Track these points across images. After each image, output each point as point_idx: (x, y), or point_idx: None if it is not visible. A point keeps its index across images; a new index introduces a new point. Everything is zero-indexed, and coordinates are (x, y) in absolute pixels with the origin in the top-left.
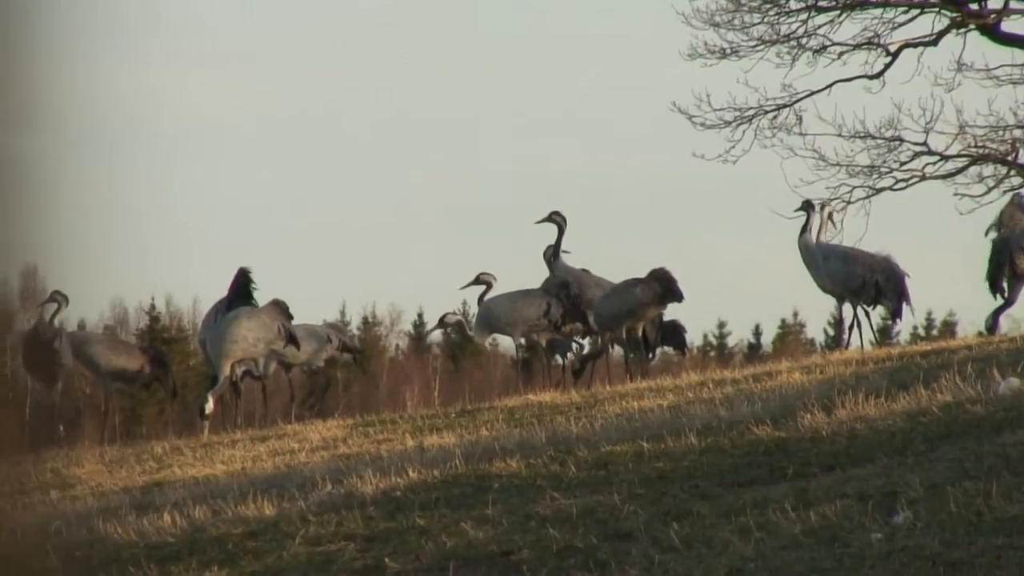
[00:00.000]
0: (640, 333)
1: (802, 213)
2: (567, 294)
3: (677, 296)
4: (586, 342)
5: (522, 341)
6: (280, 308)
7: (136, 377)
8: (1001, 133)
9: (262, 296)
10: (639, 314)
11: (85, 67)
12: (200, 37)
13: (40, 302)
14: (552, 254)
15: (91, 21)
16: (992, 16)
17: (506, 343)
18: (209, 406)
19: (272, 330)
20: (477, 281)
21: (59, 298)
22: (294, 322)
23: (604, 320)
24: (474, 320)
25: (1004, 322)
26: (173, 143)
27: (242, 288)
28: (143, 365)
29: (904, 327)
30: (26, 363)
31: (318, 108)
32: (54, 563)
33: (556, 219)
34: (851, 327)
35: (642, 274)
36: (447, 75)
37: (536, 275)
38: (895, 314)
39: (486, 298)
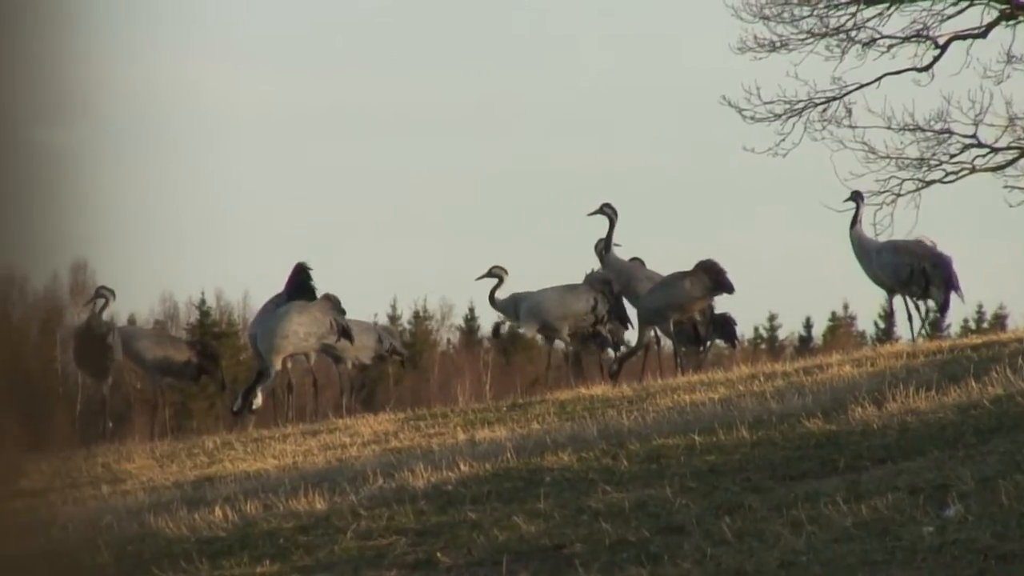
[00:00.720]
0: (691, 326)
1: (851, 204)
2: (609, 290)
3: (727, 288)
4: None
5: (567, 336)
6: (332, 303)
7: (183, 370)
8: None
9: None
10: (687, 307)
11: (134, 57)
12: (249, 26)
13: (88, 298)
14: (603, 247)
15: (132, 9)
16: None
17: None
18: (258, 401)
19: (324, 325)
20: (490, 274)
21: (106, 293)
22: (348, 317)
23: (650, 314)
24: (521, 313)
25: None
26: (225, 136)
27: (302, 283)
28: (190, 358)
29: (954, 320)
30: (77, 358)
31: (369, 100)
32: (105, 558)
33: (607, 211)
34: (910, 318)
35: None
36: (505, 68)
37: (583, 269)
38: (943, 307)
39: (498, 292)
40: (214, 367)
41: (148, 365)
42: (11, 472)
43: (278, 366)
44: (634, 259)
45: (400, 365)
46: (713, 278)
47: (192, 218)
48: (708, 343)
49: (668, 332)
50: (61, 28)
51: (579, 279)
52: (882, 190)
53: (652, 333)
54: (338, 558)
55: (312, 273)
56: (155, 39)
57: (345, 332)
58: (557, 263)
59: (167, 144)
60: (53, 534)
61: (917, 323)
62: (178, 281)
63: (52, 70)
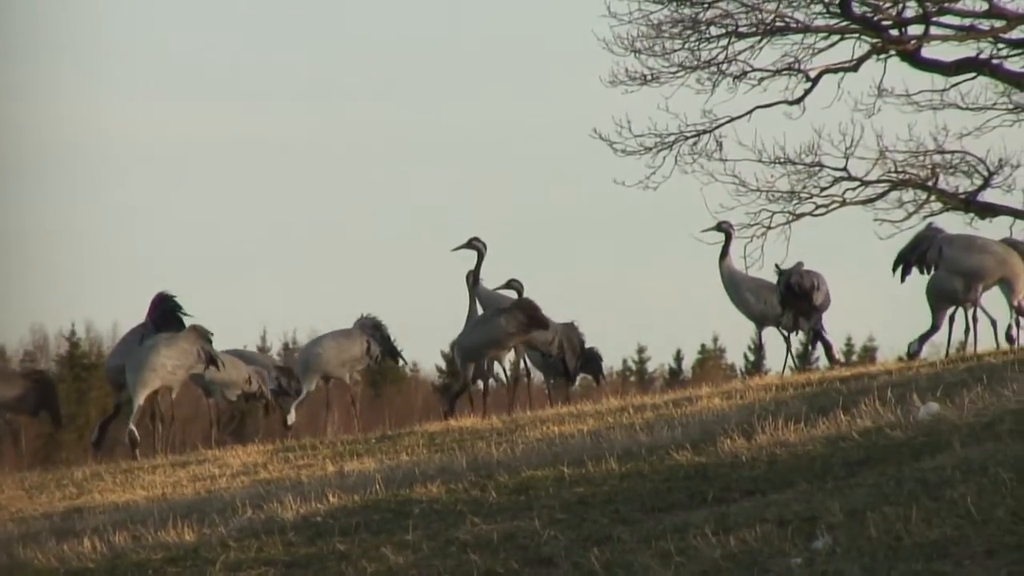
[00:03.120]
0: (560, 360)
1: (716, 233)
2: (380, 333)
3: (542, 324)
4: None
5: (358, 379)
6: (199, 332)
7: (19, 405)
8: (921, 158)
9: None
10: (504, 343)
11: (12, 93)
12: (122, 63)
13: None
14: (472, 280)
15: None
16: (912, 42)
17: (427, 368)
18: (136, 436)
19: (192, 355)
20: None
21: None
22: (225, 349)
23: (467, 352)
24: (299, 367)
25: (925, 348)
26: (97, 168)
27: (169, 312)
28: (25, 392)
29: (823, 352)
30: None
31: (235, 132)
32: None
33: (476, 245)
34: (807, 345)
35: (562, 307)
36: (365, 99)
37: (459, 300)
38: (823, 340)
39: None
40: (52, 400)
41: None
42: None
43: (142, 400)
44: (513, 280)
45: (264, 410)
46: (527, 314)
47: (62, 249)
48: (576, 377)
49: (481, 370)
50: None
51: (455, 312)
52: (753, 223)
53: (473, 368)
54: None
55: (178, 301)
56: (36, 77)
57: (212, 360)
58: (427, 295)
59: (40, 176)
60: None
61: (786, 356)
62: (48, 312)
63: None
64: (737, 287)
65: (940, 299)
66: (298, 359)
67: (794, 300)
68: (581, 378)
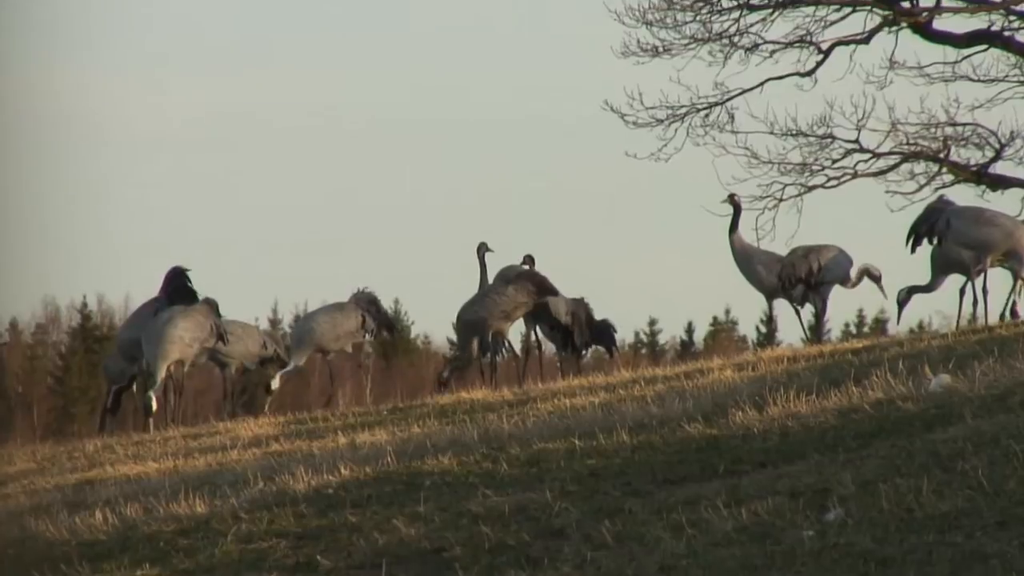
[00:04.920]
0: (567, 334)
1: (729, 207)
2: (376, 309)
3: (551, 291)
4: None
5: (370, 351)
6: (211, 306)
7: None
8: (932, 131)
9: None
10: (512, 314)
11: (14, 63)
12: (133, 36)
13: None
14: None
15: (19, 18)
16: (924, 14)
17: (439, 340)
18: (153, 404)
19: (206, 328)
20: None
21: None
22: (235, 319)
23: (472, 325)
24: (292, 341)
25: (935, 318)
26: (107, 141)
27: (182, 286)
28: None
29: (835, 324)
30: None
31: (247, 106)
32: None
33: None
34: (818, 317)
35: (574, 280)
36: (392, 75)
37: (467, 275)
38: (821, 313)
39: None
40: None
41: None
42: None
43: (163, 373)
44: (528, 257)
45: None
46: (535, 283)
47: (74, 221)
48: (586, 351)
49: (485, 343)
50: None
51: (467, 284)
52: (764, 195)
53: (477, 342)
54: (218, 561)
55: (190, 275)
56: (44, 44)
57: (221, 336)
58: (439, 267)
59: (49, 148)
60: None
61: (798, 328)
62: (60, 284)
63: None
64: (748, 260)
65: (943, 267)
66: (291, 333)
67: (793, 285)
68: (593, 350)
